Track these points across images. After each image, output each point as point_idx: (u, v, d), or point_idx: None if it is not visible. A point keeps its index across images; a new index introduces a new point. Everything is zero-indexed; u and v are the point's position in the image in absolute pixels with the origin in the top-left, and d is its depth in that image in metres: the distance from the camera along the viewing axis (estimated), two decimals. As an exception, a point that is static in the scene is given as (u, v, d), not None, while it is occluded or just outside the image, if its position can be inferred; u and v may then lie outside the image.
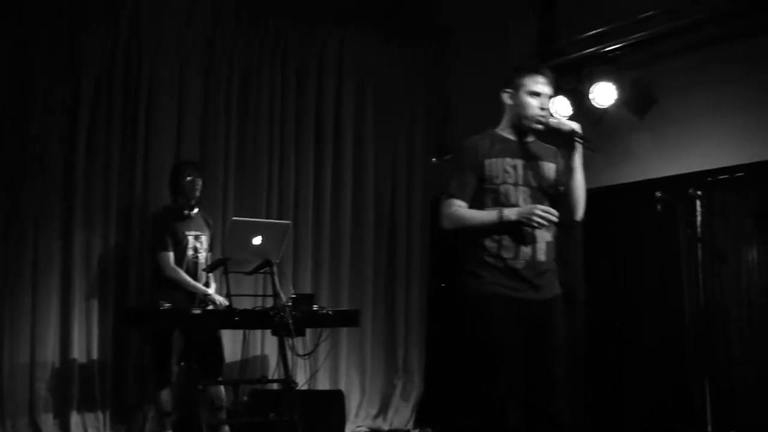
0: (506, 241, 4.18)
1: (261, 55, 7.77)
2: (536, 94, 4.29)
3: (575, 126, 4.25)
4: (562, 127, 4.28)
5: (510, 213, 4.13)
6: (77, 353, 6.56)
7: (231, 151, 7.53)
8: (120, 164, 6.89)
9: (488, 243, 4.18)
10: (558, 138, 4.36)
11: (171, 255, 6.31)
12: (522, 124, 4.33)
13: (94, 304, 6.67)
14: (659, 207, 6.35)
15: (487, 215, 4.18)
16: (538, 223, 4.08)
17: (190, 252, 6.35)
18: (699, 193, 6.17)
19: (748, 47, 6.82)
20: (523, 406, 4.15)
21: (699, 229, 6.14)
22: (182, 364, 6.27)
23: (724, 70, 6.96)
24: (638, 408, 7.53)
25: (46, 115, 6.56)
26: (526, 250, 4.19)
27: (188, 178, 6.38)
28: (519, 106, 4.31)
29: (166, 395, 6.28)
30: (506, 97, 4.35)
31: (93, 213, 6.72)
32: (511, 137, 4.37)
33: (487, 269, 4.16)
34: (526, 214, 4.09)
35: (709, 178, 7.06)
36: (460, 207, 4.23)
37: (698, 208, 6.12)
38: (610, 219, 8.12)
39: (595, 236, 8.25)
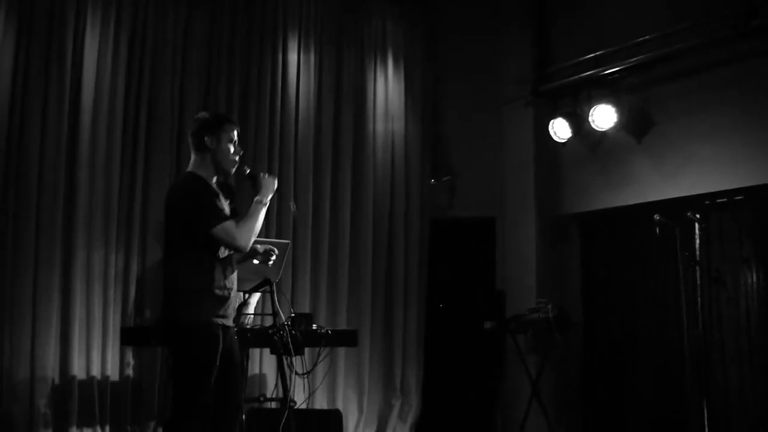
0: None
1: (260, 72, 7.81)
2: (233, 142, 4.69)
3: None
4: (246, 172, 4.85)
5: None
6: (77, 370, 6.54)
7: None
8: (120, 181, 6.89)
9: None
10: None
11: None
12: (222, 169, 4.69)
13: (95, 321, 6.66)
14: (658, 230, 6.37)
15: None
16: None
17: None
18: (697, 216, 6.20)
19: (742, 71, 6.88)
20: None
21: (697, 253, 6.16)
22: None
23: (721, 93, 7.01)
24: (638, 428, 7.56)
25: (44, 125, 6.58)
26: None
27: None
28: (221, 152, 4.65)
29: None
30: (208, 142, 4.62)
31: (93, 231, 6.72)
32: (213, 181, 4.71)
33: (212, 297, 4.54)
34: None
35: (707, 201, 7.09)
36: None
37: (697, 232, 6.16)
38: (608, 241, 8.16)
39: (593, 259, 8.29)
